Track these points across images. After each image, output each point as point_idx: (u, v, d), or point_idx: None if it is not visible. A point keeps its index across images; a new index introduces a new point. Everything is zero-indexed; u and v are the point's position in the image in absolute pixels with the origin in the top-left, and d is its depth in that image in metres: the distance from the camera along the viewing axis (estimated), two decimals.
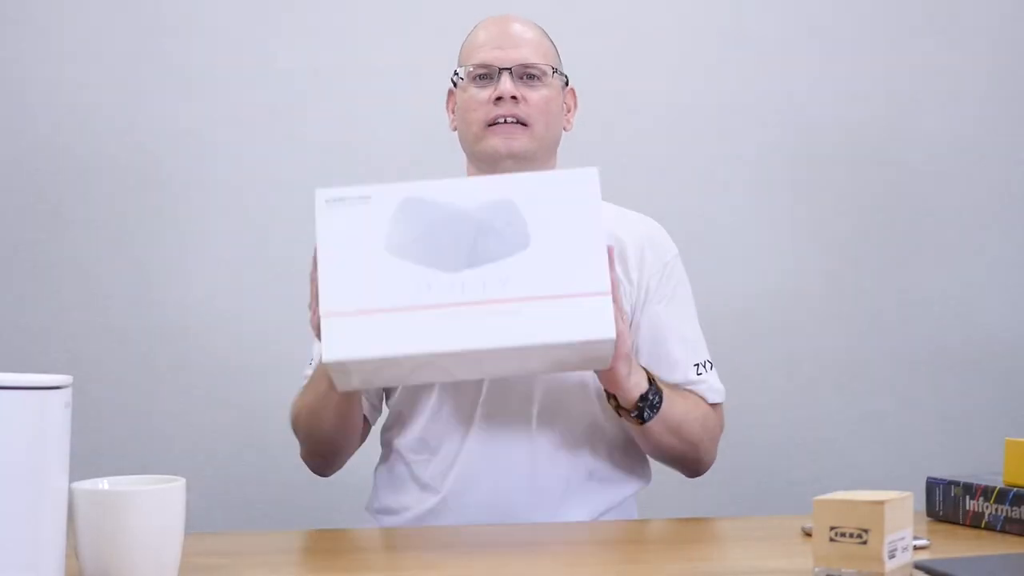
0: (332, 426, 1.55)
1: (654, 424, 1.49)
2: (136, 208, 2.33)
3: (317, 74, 2.34)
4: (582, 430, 1.58)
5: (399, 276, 1.28)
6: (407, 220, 1.30)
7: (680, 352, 1.61)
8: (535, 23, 1.68)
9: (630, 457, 1.63)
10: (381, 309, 1.27)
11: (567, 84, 1.68)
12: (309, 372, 1.63)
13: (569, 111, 1.71)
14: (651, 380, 1.49)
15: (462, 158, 1.67)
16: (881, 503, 1.04)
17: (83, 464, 1.21)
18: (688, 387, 1.60)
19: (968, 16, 2.43)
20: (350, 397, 1.49)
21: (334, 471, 1.65)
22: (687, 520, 1.50)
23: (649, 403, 1.47)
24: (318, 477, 1.66)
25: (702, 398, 1.61)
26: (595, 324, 1.27)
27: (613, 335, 1.27)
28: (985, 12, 2.44)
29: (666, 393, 1.50)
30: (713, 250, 2.35)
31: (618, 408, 1.49)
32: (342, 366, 1.28)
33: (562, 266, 1.28)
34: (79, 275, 2.32)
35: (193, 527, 1.18)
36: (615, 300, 1.31)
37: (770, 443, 2.35)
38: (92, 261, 2.32)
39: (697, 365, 1.62)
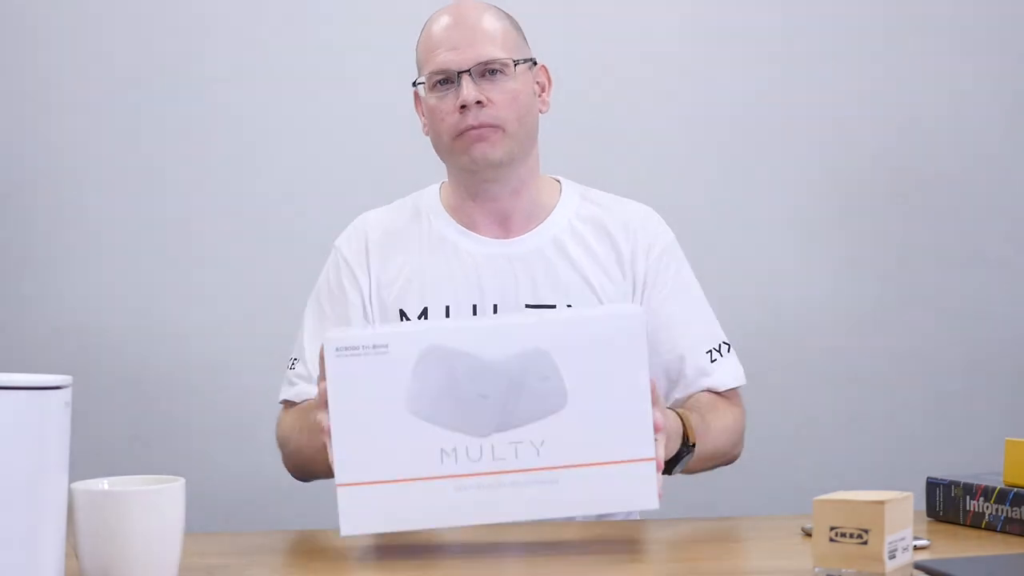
0: (325, 472, 1.40)
1: (686, 466, 1.47)
2: (135, 209, 2.33)
3: (319, 77, 2.34)
4: None
5: (420, 441, 1.19)
6: (429, 374, 1.20)
7: (687, 343, 1.57)
8: (488, 4, 1.60)
9: None
10: (401, 479, 1.20)
11: (535, 64, 1.60)
12: (295, 373, 1.59)
13: (543, 90, 1.62)
14: (685, 435, 1.42)
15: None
16: (881, 503, 1.04)
17: (83, 464, 1.21)
18: (704, 379, 1.57)
19: (1005, 21, 2.42)
20: None
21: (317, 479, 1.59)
22: (687, 520, 1.50)
23: (680, 461, 1.44)
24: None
25: (721, 395, 1.58)
26: (638, 494, 1.20)
27: (656, 505, 1.21)
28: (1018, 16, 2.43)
29: (698, 434, 1.44)
30: (713, 249, 2.34)
31: None
32: (359, 534, 1.24)
33: (602, 428, 1.19)
34: (79, 275, 2.31)
35: (193, 527, 1.18)
36: (656, 404, 1.22)
37: (770, 443, 2.34)
38: (92, 260, 2.32)
39: (710, 351, 1.58)
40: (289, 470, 1.59)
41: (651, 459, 1.20)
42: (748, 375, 1.73)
